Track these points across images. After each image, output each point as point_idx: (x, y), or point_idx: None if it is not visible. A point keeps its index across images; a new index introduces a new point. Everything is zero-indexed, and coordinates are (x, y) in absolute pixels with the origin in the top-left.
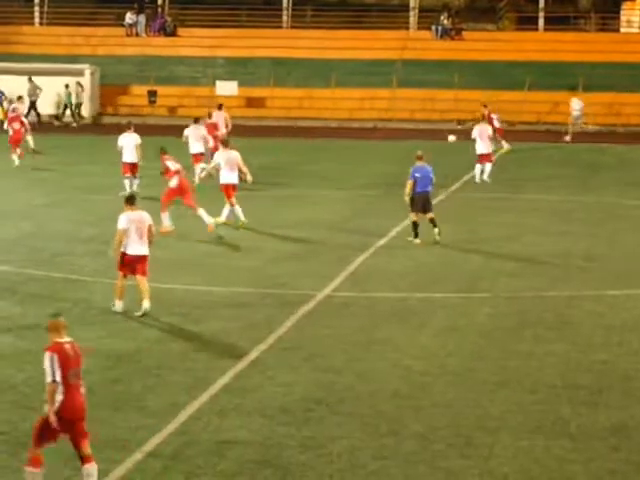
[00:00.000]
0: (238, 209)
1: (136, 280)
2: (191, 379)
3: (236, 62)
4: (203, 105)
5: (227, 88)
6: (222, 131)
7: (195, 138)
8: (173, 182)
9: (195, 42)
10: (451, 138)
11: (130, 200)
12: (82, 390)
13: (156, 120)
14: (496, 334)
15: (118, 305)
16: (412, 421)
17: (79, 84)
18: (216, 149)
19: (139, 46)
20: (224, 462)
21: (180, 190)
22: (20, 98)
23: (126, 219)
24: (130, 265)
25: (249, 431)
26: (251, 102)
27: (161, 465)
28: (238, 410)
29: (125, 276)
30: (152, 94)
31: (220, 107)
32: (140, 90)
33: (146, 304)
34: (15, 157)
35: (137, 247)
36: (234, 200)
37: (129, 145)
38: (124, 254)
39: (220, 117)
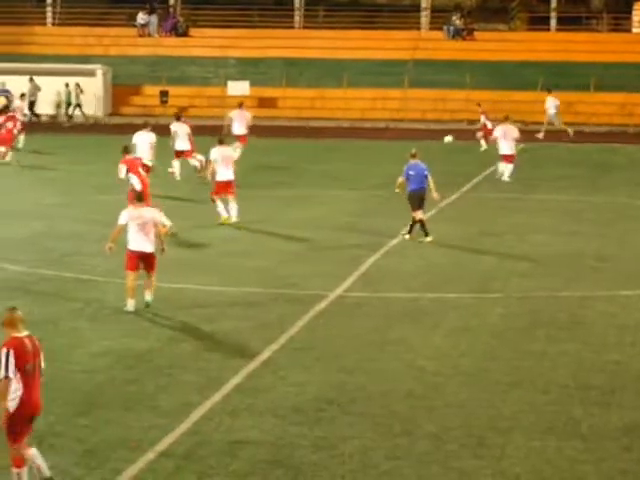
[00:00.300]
0: (221, 206)
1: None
2: (203, 379)
3: (248, 62)
4: (214, 105)
5: (239, 88)
6: (243, 131)
7: (182, 135)
8: (137, 186)
9: (207, 42)
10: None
11: (136, 197)
12: (39, 385)
13: (168, 120)
14: (508, 334)
15: (130, 304)
16: (425, 421)
17: (78, 85)
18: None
19: (151, 46)
20: (236, 462)
21: (144, 191)
22: (23, 96)
23: (126, 215)
24: (135, 261)
25: (261, 431)
26: (263, 102)
27: (173, 465)
28: (250, 410)
29: (134, 271)
30: (164, 94)
31: (240, 105)
32: (152, 90)
33: (147, 296)
34: (3, 151)
35: (139, 243)
36: (217, 197)
37: (143, 143)
38: (127, 250)
39: (241, 116)
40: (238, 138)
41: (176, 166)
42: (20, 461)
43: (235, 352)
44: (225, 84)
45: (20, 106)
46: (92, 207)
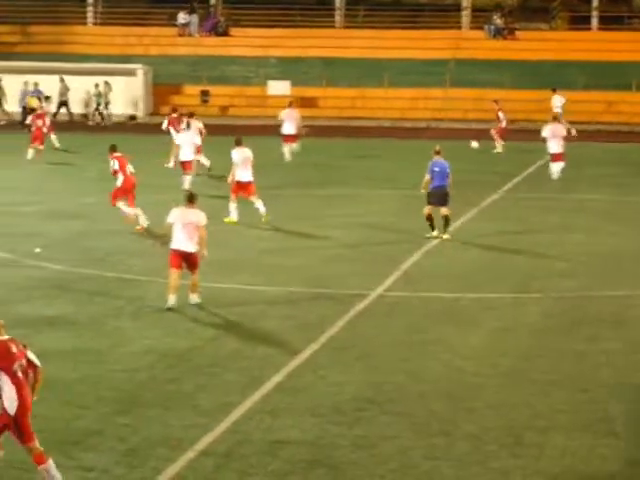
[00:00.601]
0: (234, 206)
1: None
2: (244, 378)
3: (288, 62)
4: (255, 105)
5: (279, 88)
6: (293, 130)
7: (194, 131)
8: (118, 181)
9: (247, 42)
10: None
11: (187, 197)
12: (28, 385)
13: (209, 120)
14: (548, 334)
15: (170, 300)
16: (464, 421)
17: (107, 84)
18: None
19: (192, 46)
20: (276, 461)
21: (125, 189)
22: (48, 98)
23: (173, 214)
24: (177, 259)
25: (301, 431)
26: (303, 102)
27: (213, 464)
28: (290, 409)
29: (177, 269)
30: (205, 94)
31: (290, 105)
32: (192, 90)
33: (191, 299)
34: (30, 151)
35: (181, 243)
36: (235, 198)
37: (186, 142)
38: (170, 248)
39: (291, 115)
40: (287, 138)
41: (200, 159)
42: (41, 457)
43: (276, 351)
44: (265, 84)
45: (46, 109)
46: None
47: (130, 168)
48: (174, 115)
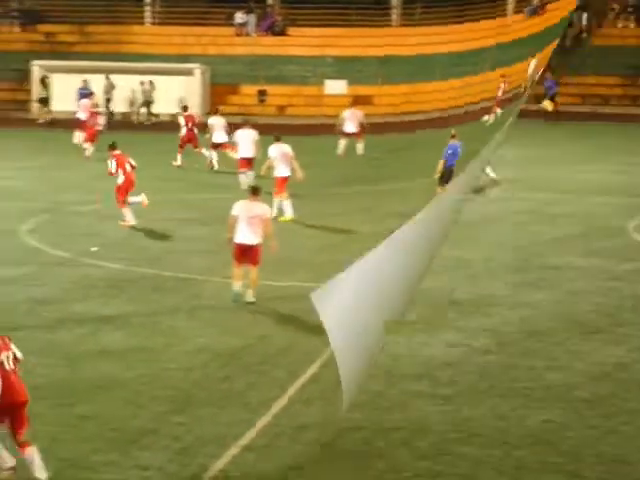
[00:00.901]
0: (288, 203)
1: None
2: (292, 375)
3: (345, 61)
4: (311, 104)
5: (336, 87)
6: (354, 129)
7: (219, 127)
8: (120, 179)
9: (304, 41)
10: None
11: (251, 190)
12: (19, 375)
13: (266, 120)
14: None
15: (235, 286)
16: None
17: (151, 83)
18: (189, 139)
19: (249, 45)
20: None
21: (126, 188)
22: (92, 94)
23: (237, 207)
24: (239, 253)
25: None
26: (359, 100)
27: (254, 458)
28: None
29: (238, 265)
30: (262, 93)
31: (353, 104)
32: (250, 89)
33: (249, 297)
34: (87, 147)
35: (244, 236)
36: (285, 194)
37: (246, 140)
38: (234, 242)
39: (353, 115)
40: (349, 137)
41: (213, 156)
42: None
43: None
44: (322, 83)
45: (97, 107)
46: (184, 205)
47: (131, 162)
48: (185, 113)
